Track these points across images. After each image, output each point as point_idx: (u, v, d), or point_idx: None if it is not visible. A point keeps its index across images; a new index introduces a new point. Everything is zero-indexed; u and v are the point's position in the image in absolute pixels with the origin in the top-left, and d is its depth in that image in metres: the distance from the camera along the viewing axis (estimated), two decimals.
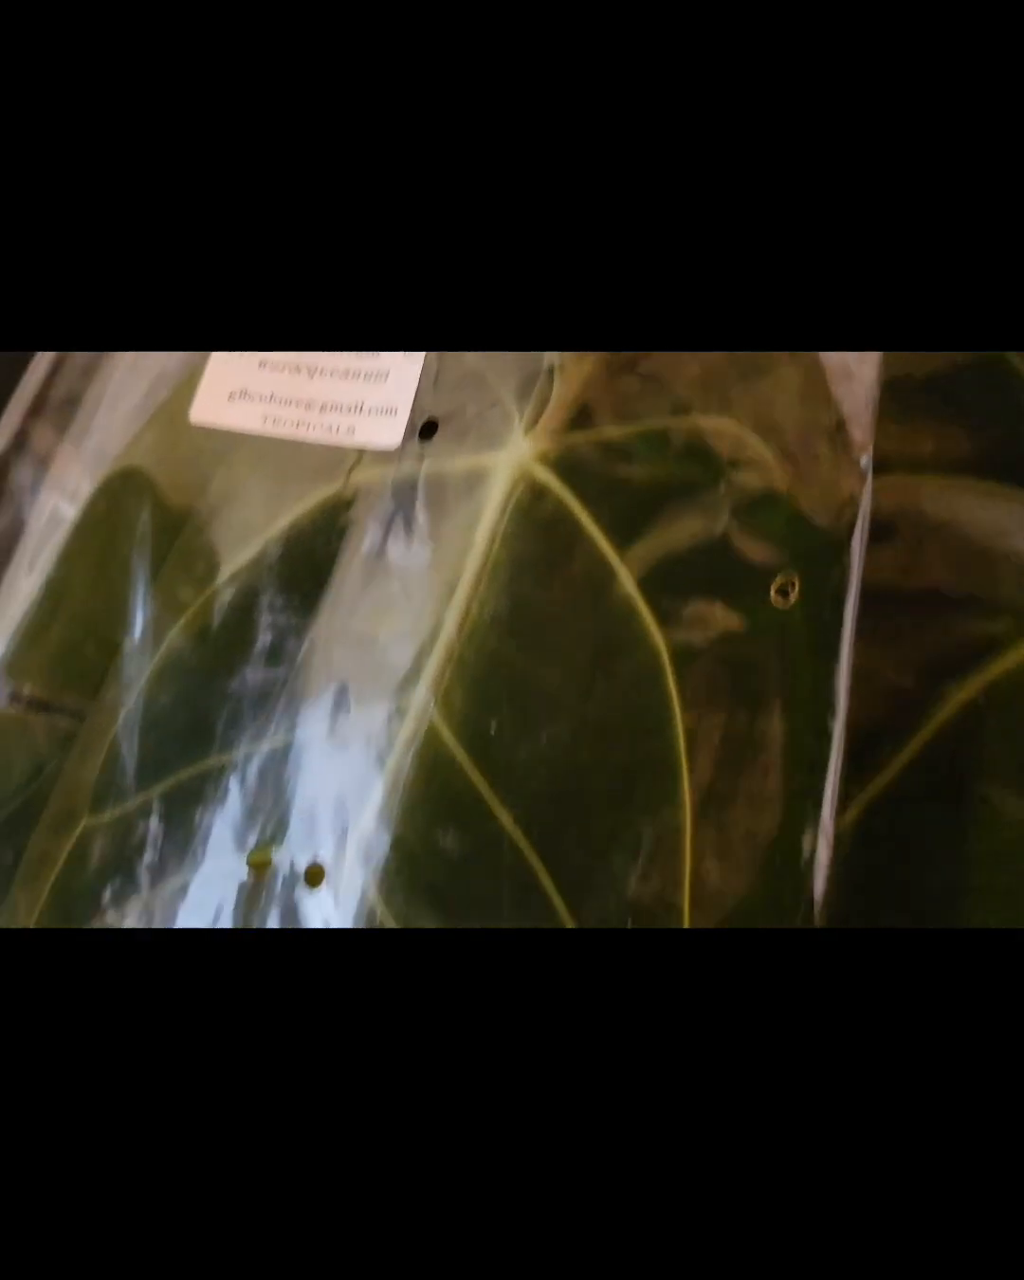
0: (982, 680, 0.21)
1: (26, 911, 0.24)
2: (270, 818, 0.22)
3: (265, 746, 0.23)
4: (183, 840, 0.23)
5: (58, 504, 0.27)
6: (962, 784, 0.20)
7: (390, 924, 0.20)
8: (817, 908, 0.19)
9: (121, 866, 0.23)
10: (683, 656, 0.20)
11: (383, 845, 0.20)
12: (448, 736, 0.21)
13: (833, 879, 0.20)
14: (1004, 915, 0.20)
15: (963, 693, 0.21)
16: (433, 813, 0.20)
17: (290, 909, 0.21)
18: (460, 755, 0.20)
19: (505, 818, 0.20)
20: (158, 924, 0.22)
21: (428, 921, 0.20)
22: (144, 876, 0.23)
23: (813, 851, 0.19)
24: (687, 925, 0.19)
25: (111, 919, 0.23)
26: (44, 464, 0.27)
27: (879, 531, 0.21)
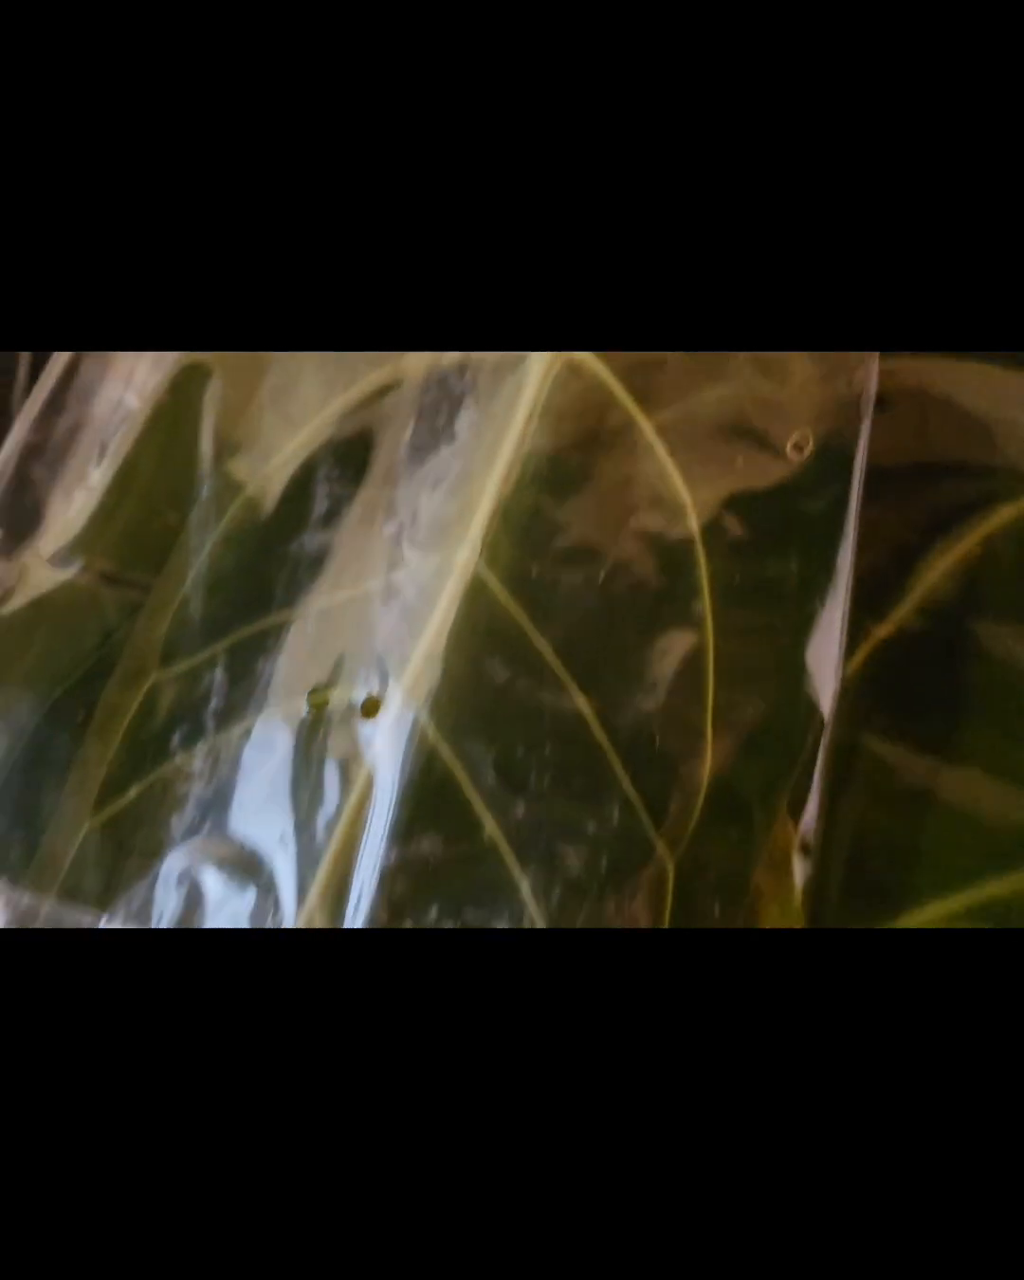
0: (980, 533, 0.23)
1: (98, 760, 0.26)
2: (328, 664, 0.24)
3: (322, 602, 0.25)
4: (247, 688, 0.25)
5: (124, 397, 0.29)
6: (961, 627, 0.22)
7: (442, 747, 0.22)
8: (826, 729, 0.21)
9: (189, 713, 0.25)
10: (703, 506, 0.22)
11: (433, 676, 0.22)
12: (493, 582, 0.23)
13: (841, 708, 0.22)
14: (997, 743, 0.22)
15: (962, 545, 0.23)
16: (480, 646, 0.22)
17: (348, 740, 0.23)
18: (504, 597, 0.22)
19: (545, 648, 0.22)
20: (222, 765, 0.24)
21: (475, 744, 0.22)
22: (210, 721, 0.25)
23: (823, 668, 0.21)
24: (708, 744, 0.21)
25: (180, 761, 0.25)
26: (108, 361, 0.30)
27: (884, 404, 0.23)
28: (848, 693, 0.22)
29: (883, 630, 0.23)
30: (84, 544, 0.28)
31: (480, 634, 0.22)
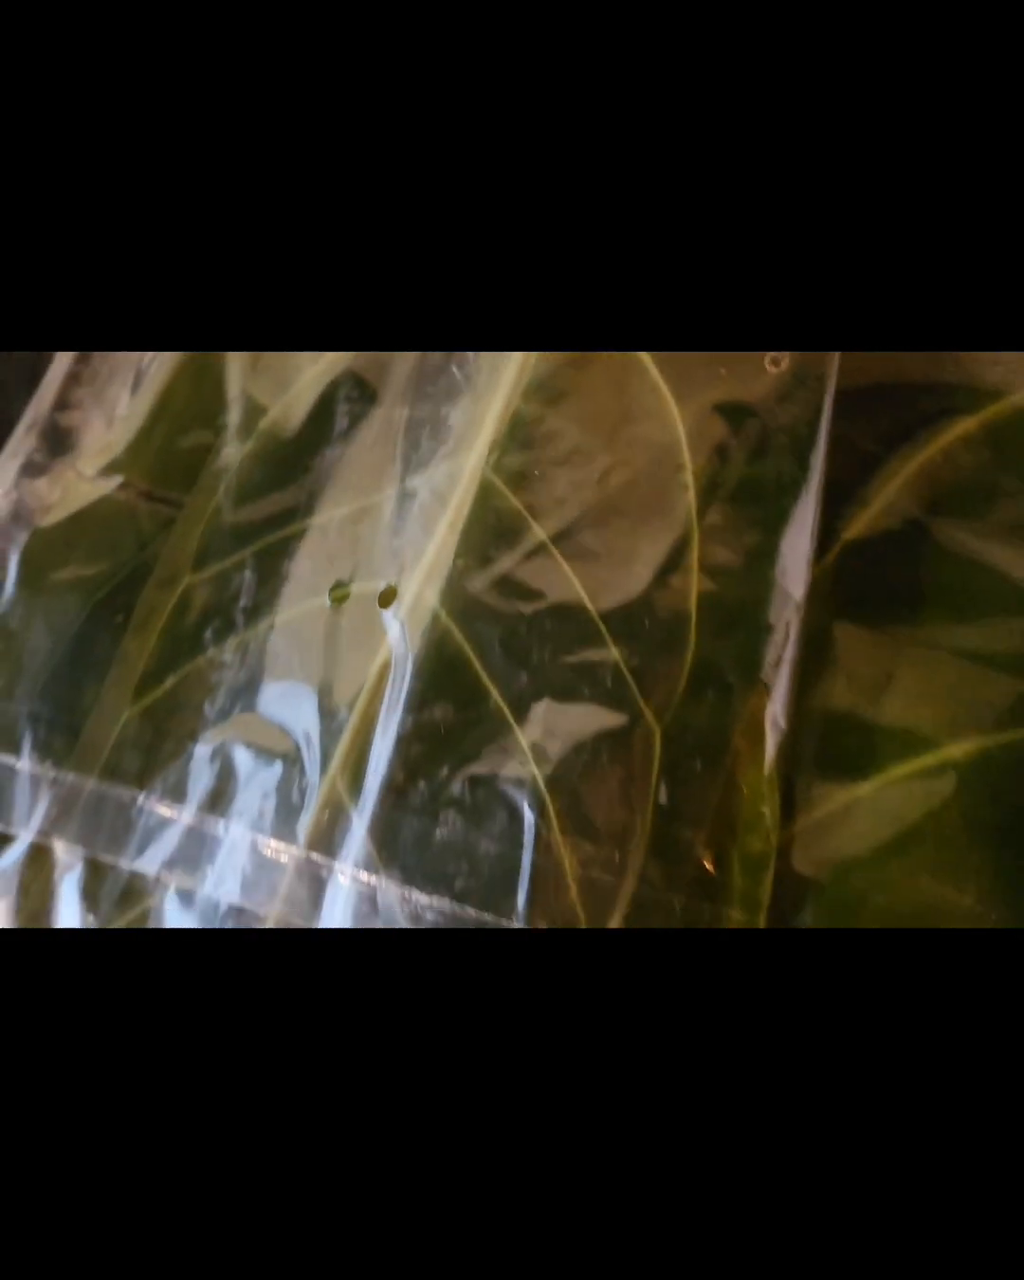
0: (941, 443, 0.25)
1: (137, 655, 0.28)
2: (349, 562, 0.26)
3: (343, 509, 0.27)
4: (274, 587, 0.27)
5: None
6: (921, 526, 0.25)
7: (453, 628, 0.24)
8: (799, 612, 0.24)
9: (221, 611, 0.28)
10: (690, 414, 0.25)
11: (445, 567, 0.25)
12: (498, 483, 0.25)
13: (814, 600, 0.24)
14: (952, 626, 0.24)
15: (924, 453, 0.25)
16: (486, 539, 0.25)
17: (368, 627, 0.25)
18: (509, 496, 0.25)
19: (545, 540, 0.24)
20: (251, 655, 0.27)
21: (483, 624, 0.24)
22: (240, 618, 0.27)
23: (796, 557, 0.23)
24: (692, 622, 0.23)
25: (213, 654, 0.27)
26: None
27: None
28: (821, 587, 0.24)
29: (851, 532, 0.25)
30: (121, 464, 0.30)
31: (487, 528, 0.25)
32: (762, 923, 0.22)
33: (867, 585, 0.25)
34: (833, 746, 0.24)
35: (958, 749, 0.23)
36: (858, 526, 0.25)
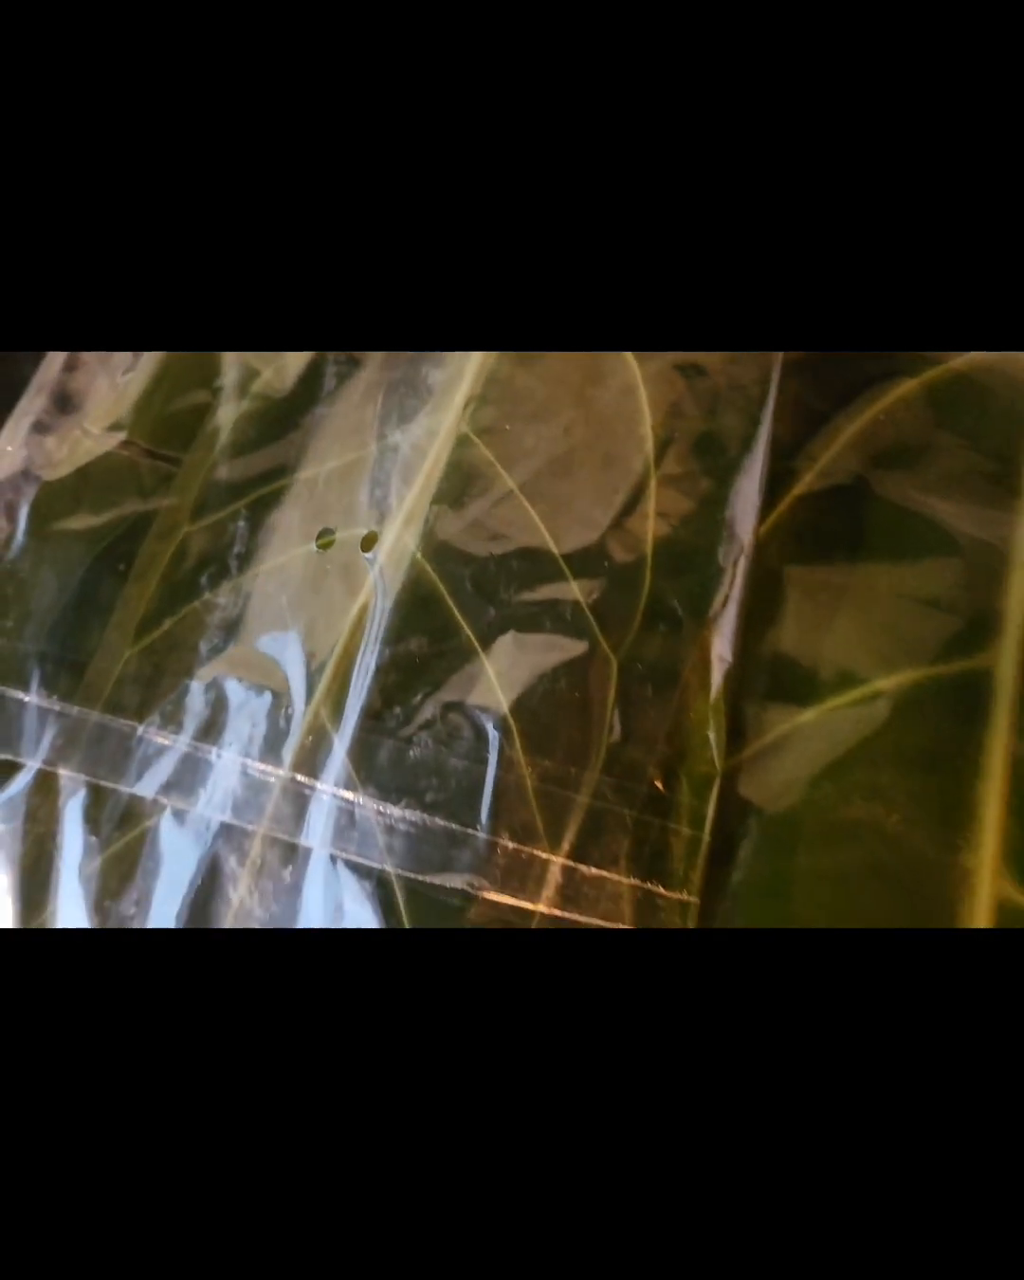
0: (884, 403, 0.27)
1: (138, 599, 0.30)
2: (334, 512, 0.28)
3: (331, 463, 0.29)
4: (265, 535, 0.29)
5: None
6: (864, 478, 0.27)
7: (427, 568, 0.26)
8: (745, 555, 0.26)
9: (216, 558, 0.30)
10: (650, 372, 0.27)
11: (422, 513, 0.27)
12: (474, 436, 0.27)
13: (766, 548, 0.26)
14: (890, 570, 0.26)
15: (869, 412, 0.27)
16: (461, 488, 0.27)
17: (350, 569, 0.27)
18: (482, 447, 0.27)
19: (514, 488, 0.26)
20: (243, 597, 0.29)
21: (455, 565, 0.26)
22: (234, 564, 0.29)
23: (745, 505, 0.25)
24: (647, 562, 0.25)
25: (208, 597, 0.29)
26: None
27: None
28: (773, 535, 0.26)
29: (801, 485, 0.27)
30: (124, 423, 0.32)
31: (462, 477, 0.27)
32: (706, 837, 0.24)
33: (814, 533, 0.27)
34: (779, 679, 0.26)
35: (890, 681, 0.25)
36: (807, 480, 0.27)
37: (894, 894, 0.23)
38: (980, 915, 0.23)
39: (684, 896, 0.24)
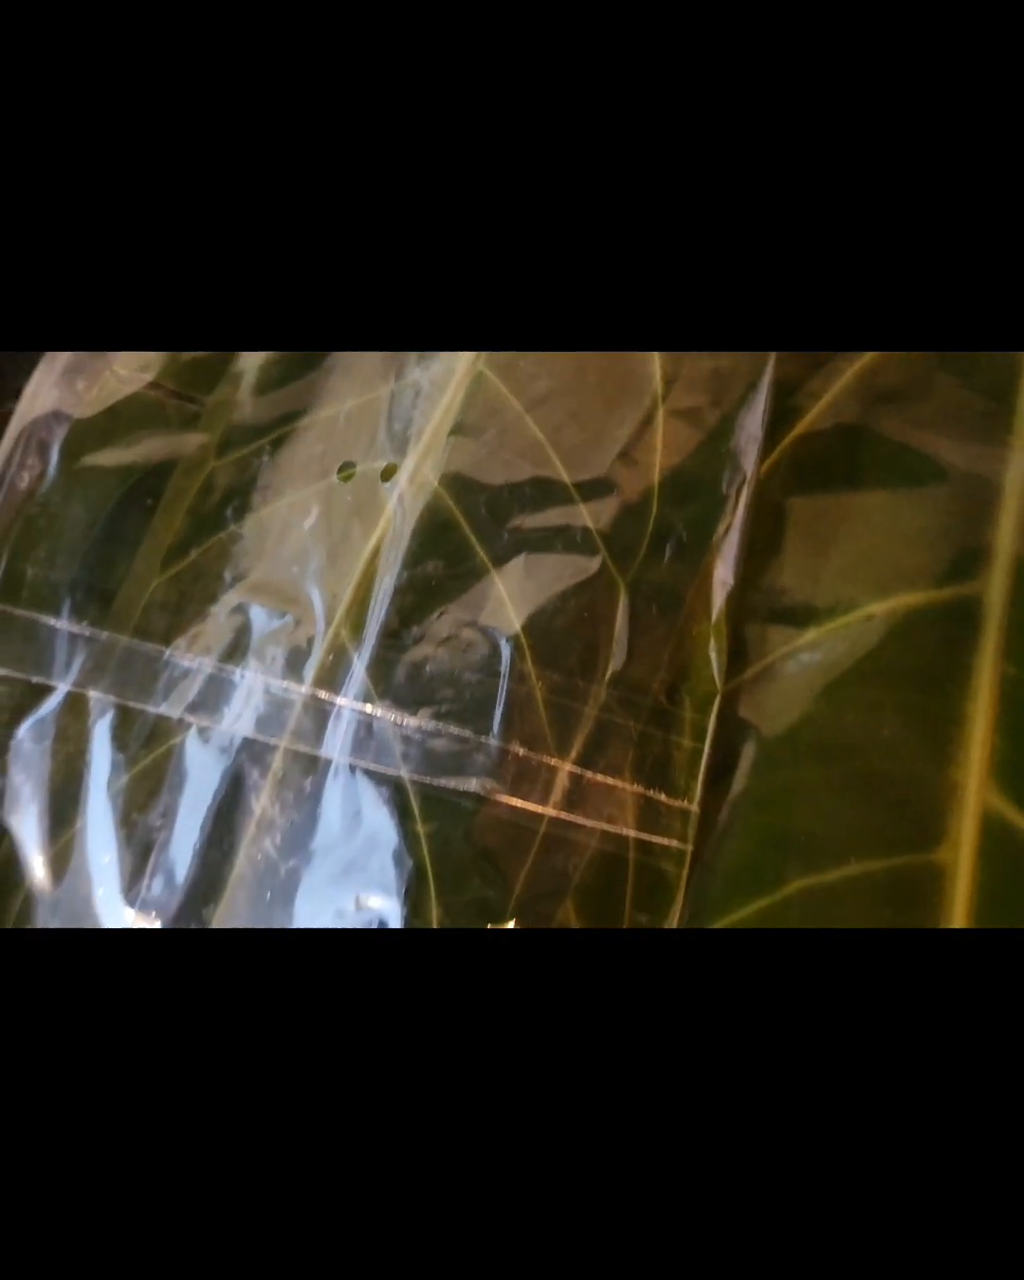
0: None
1: (165, 531, 0.31)
2: (355, 446, 0.30)
3: (353, 400, 0.30)
4: (289, 470, 0.30)
5: None
6: (863, 416, 0.28)
7: (445, 495, 0.27)
8: (747, 483, 0.27)
9: (240, 492, 0.31)
10: None
11: (440, 444, 0.28)
12: (490, 374, 0.28)
13: (769, 482, 0.27)
14: (885, 501, 0.27)
15: (869, 352, 0.28)
16: (479, 421, 0.28)
17: (370, 498, 0.29)
18: (498, 383, 0.28)
19: (529, 422, 0.28)
20: (267, 528, 0.30)
21: (471, 493, 0.27)
22: (257, 497, 0.31)
23: (748, 438, 0.27)
24: (655, 490, 0.27)
25: (232, 530, 0.31)
26: None
27: None
28: (776, 469, 0.28)
29: (804, 422, 0.28)
30: (152, 365, 0.33)
31: (479, 411, 0.28)
32: (706, 750, 0.25)
33: (814, 467, 0.28)
34: (778, 605, 0.27)
35: (884, 606, 0.26)
36: (809, 417, 0.28)
37: (885, 805, 0.25)
38: (968, 824, 0.24)
39: (685, 805, 0.25)
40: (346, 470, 0.29)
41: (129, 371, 0.33)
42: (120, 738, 0.29)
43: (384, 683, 0.26)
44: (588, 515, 0.26)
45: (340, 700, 0.27)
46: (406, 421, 0.29)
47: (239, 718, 0.28)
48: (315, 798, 0.26)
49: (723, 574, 0.26)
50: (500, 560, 0.26)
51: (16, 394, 0.33)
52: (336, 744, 0.26)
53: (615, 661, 0.25)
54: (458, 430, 0.28)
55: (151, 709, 0.29)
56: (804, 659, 0.26)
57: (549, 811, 0.24)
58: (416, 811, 0.25)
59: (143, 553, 0.31)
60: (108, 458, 0.33)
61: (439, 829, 0.25)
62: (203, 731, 0.28)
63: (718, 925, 0.24)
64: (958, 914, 0.24)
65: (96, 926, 0.27)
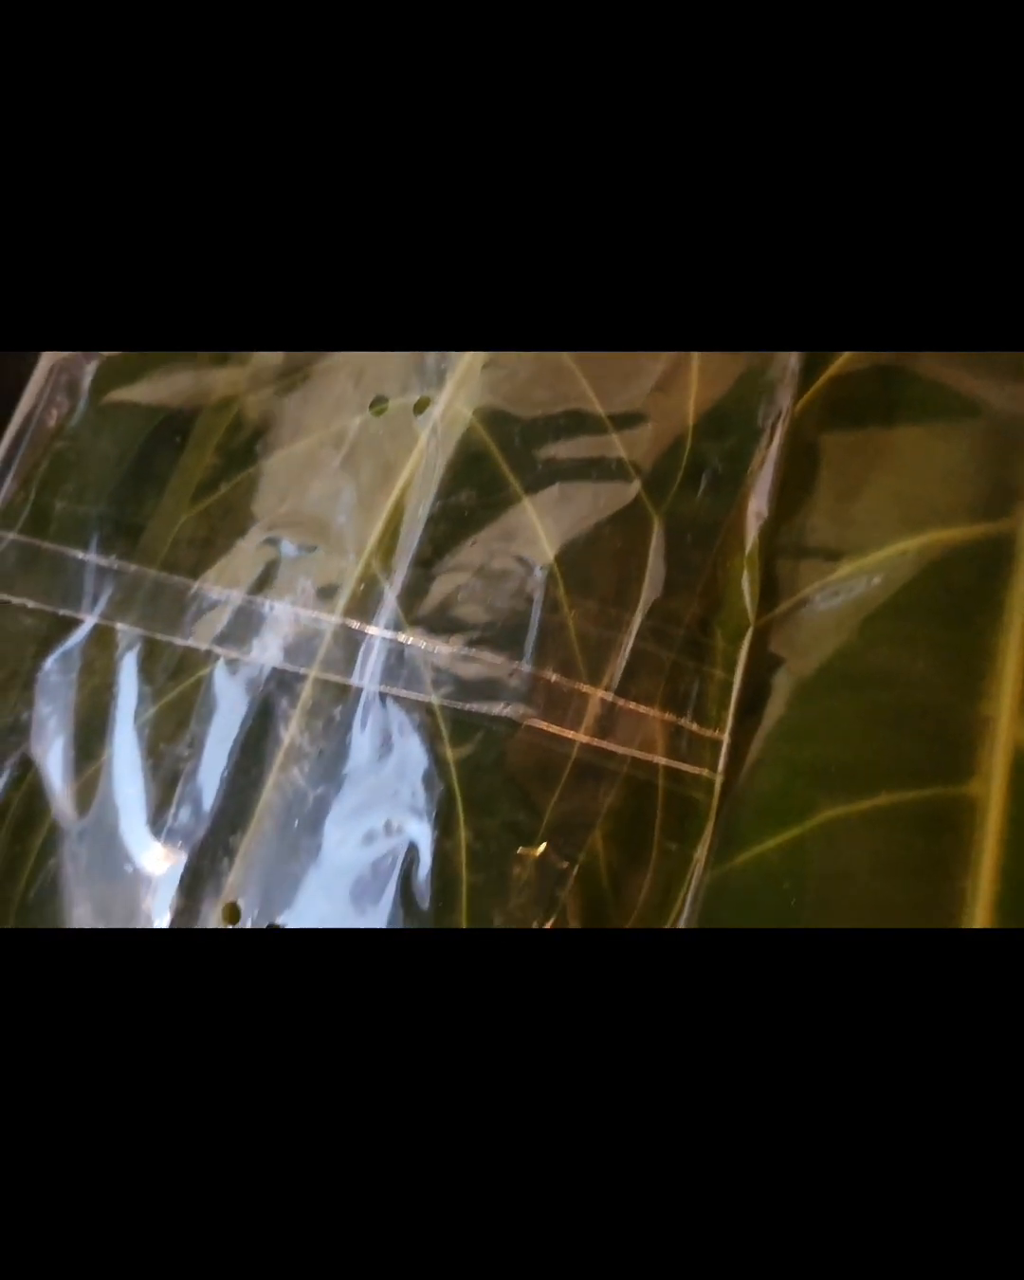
0: None
1: (194, 467, 0.31)
2: (391, 381, 0.30)
3: None
4: (320, 405, 0.30)
5: None
6: (898, 355, 0.28)
7: (478, 426, 0.27)
8: (782, 417, 0.27)
9: (269, 428, 0.31)
10: None
11: (474, 377, 0.28)
12: None
13: (804, 421, 0.27)
14: (920, 438, 0.27)
15: None
16: (514, 354, 0.28)
17: (403, 431, 0.29)
18: None
19: (565, 357, 0.27)
20: (298, 463, 0.30)
21: (505, 424, 0.27)
22: (286, 432, 0.31)
23: (784, 372, 0.27)
24: (689, 423, 0.27)
25: (262, 465, 0.30)
26: None
27: None
28: (811, 408, 0.28)
29: (839, 362, 0.28)
30: None
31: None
32: (737, 682, 0.25)
33: (850, 405, 0.28)
34: (811, 541, 0.27)
35: (917, 542, 0.26)
36: (845, 355, 0.28)
37: (917, 737, 0.25)
38: (999, 759, 0.24)
39: (716, 734, 0.25)
40: (379, 405, 0.29)
41: None
42: (147, 670, 0.29)
43: (416, 611, 0.26)
44: (622, 446, 0.26)
45: (371, 629, 0.27)
46: (443, 354, 0.29)
47: (268, 648, 0.28)
48: (345, 726, 0.26)
49: (757, 507, 0.26)
50: (534, 490, 0.26)
51: None
52: (367, 672, 0.26)
53: (649, 591, 0.25)
54: (493, 364, 0.28)
55: (179, 641, 0.29)
56: (837, 594, 0.26)
57: (581, 738, 0.24)
58: (447, 736, 0.25)
59: (171, 488, 0.31)
60: (137, 394, 0.32)
61: (470, 754, 0.25)
62: (231, 663, 0.28)
63: (748, 853, 0.24)
64: (989, 847, 0.24)
65: (122, 856, 0.27)
